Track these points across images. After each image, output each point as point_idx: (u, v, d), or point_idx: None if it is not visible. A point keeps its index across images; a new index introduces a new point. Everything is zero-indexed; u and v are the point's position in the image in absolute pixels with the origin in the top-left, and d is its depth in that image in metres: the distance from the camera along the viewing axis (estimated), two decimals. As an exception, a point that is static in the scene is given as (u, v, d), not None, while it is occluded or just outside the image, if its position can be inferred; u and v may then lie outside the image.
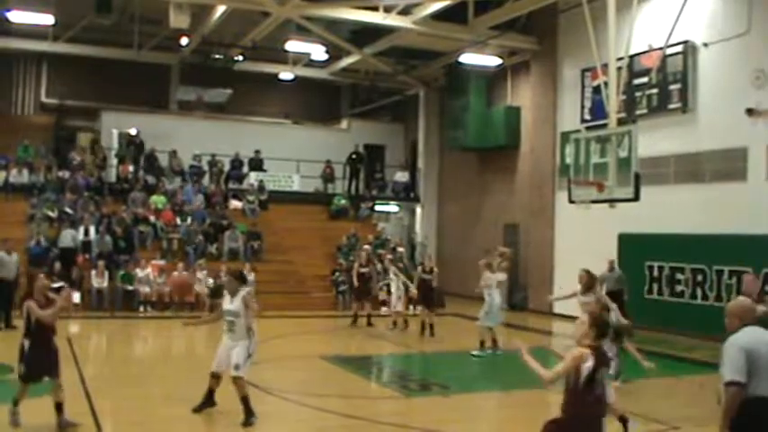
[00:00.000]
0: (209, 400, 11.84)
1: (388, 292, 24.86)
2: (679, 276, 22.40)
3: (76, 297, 24.16)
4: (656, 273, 23.10)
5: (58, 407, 10.43)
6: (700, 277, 21.78)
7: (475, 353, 18.10)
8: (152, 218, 28.89)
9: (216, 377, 11.81)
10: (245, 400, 11.32)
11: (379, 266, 27.66)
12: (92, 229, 27.06)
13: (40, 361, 10.43)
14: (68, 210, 28.01)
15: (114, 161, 32.31)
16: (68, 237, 26.07)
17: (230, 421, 11.40)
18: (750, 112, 20.78)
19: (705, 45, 22.45)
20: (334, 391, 14.05)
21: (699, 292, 21.76)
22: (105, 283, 25.19)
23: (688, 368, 17.31)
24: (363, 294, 24.15)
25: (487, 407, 13.99)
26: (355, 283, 24.21)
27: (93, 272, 25.26)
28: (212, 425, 11.66)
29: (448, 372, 16.60)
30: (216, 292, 25.38)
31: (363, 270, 24.16)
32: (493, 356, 17.99)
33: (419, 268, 23.16)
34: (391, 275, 23.84)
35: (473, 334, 18.95)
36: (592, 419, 7.25)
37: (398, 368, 17.60)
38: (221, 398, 12.66)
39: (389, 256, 27.76)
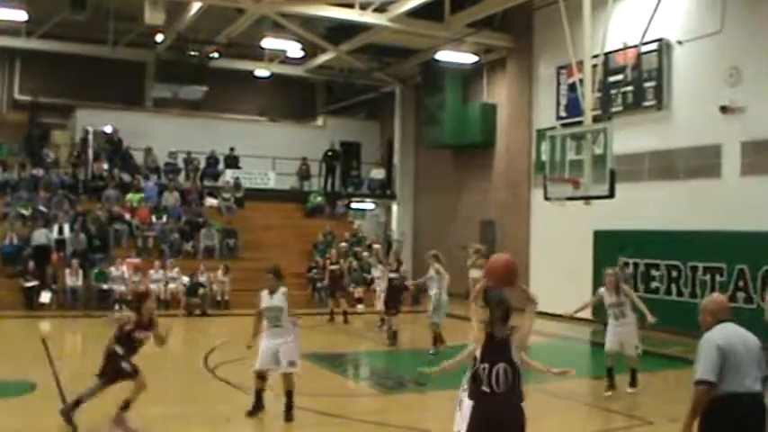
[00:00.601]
0: (259, 403, 11.78)
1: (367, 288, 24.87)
2: (654, 273, 22.50)
3: (47, 297, 24.11)
4: (631, 269, 23.17)
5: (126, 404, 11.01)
6: (674, 273, 21.88)
7: (432, 351, 17.66)
8: (127, 216, 28.74)
9: (262, 377, 11.74)
10: (290, 395, 11.50)
11: (355, 263, 27.68)
12: (66, 228, 26.90)
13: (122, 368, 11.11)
14: (42, 208, 27.83)
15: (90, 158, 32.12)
16: (42, 235, 25.91)
17: (208, 420, 11.37)
18: (724, 109, 20.88)
19: (680, 43, 22.55)
20: (311, 388, 14.00)
21: (674, 288, 21.85)
22: (80, 282, 25.05)
23: (663, 364, 17.39)
24: (336, 290, 24.33)
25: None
26: (326, 280, 24.43)
27: (68, 270, 25.11)
28: (189, 424, 11.61)
29: (424, 368, 16.61)
30: (192, 290, 25.35)
31: (333, 267, 24.32)
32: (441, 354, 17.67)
33: (383, 266, 22.97)
34: (378, 273, 23.45)
35: (448, 330, 18.93)
36: None
37: (375, 365, 17.60)
38: (199, 396, 12.64)
39: (365, 254, 27.85)
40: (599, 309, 15.36)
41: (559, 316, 15.64)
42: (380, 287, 22.53)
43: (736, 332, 6.82)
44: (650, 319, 13.91)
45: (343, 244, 30.41)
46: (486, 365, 6.83)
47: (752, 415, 6.60)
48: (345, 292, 24.55)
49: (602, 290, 14.32)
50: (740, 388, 6.56)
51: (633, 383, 13.89)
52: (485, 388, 6.78)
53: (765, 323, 12.14)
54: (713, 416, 6.58)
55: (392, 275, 20.34)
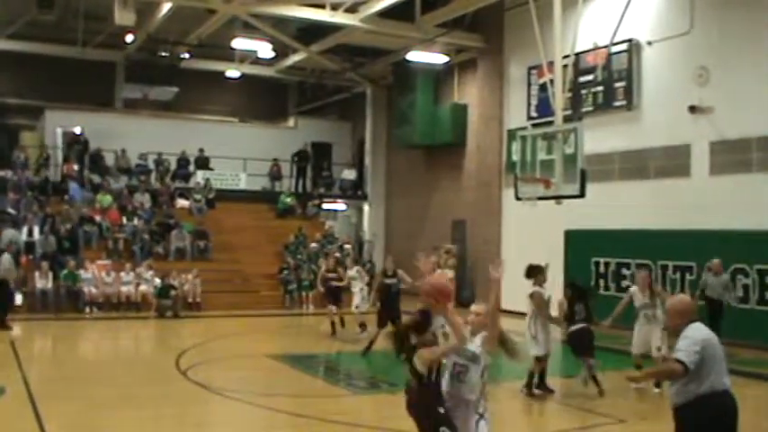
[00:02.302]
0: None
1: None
2: (625, 272, 22.61)
3: (18, 299, 23.91)
4: (602, 268, 23.29)
5: None
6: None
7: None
8: (98, 217, 28.55)
9: None
10: None
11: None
12: (35, 229, 26.70)
13: None
14: (11, 210, 27.59)
15: (59, 160, 31.92)
16: (8, 237, 25.65)
17: (179, 422, 11.32)
18: (693, 109, 21.04)
19: (649, 43, 22.69)
20: (283, 389, 14.00)
21: (644, 287, 21.96)
22: (50, 284, 24.85)
23: (632, 362, 17.46)
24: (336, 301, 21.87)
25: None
26: (320, 288, 22.28)
27: (37, 273, 24.91)
28: (162, 426, 11.56)
29: (396, 369, 16.58)
30: (163, 292, 25.23)
31: (331, 275, 21.81)
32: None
33: (360, 267, 22.69)
34: (353, 273, 21.98)
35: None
36: None
37: (346, 366, 17.58)
38: (172, 398, 12.60)
39: (337, 255, 27.79)
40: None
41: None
42: (357, 288, 21.31)
43: (709, 332, 6.87)
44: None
45: (314, 245, 30.39)
46: None
47: (734, 411, 6.74)
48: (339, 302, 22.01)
49: (633, 289, 14.41)
50: (722, 386, 6.67)
51: (658, 383, 13.55)
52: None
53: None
54: (702, 413, 6.65)
55: (389, 281, 18.41)
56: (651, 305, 13.95)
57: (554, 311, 14.45)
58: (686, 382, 6.64)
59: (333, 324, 20.99)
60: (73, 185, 30.35)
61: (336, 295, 21.58)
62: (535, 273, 14.51)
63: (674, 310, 7.06)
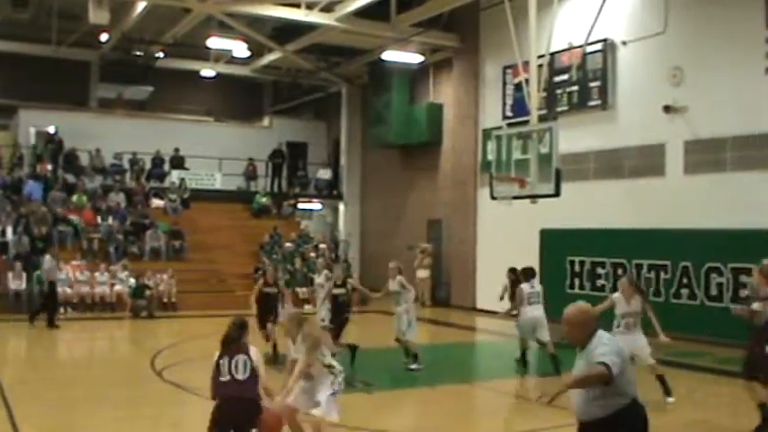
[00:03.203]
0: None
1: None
2: (600, 271, 22.70)
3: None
4: (577, 267, 23.37)
5: None
6: (620, 271, 22.06)
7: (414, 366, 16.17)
8: (74, 217, 28.36)
9: None
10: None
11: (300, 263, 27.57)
12: (8, 230, 26.53)
13: None
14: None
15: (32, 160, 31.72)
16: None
17: (155, 422, 11.27)
18: (667, 108, 21.15)
19: (624, 43, 22.78)
20: (259, 389, 13.94)
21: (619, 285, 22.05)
22: (23, 285, 24.69)
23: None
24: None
25: (411, 402, 14.01)
26: (253, 306, 17.96)
27: (11, 273, 24.74)
28: (137, 427, 11.51)
29: (371, 369, 16.58)
30: (138, 292, 25.11)
31: (338, 292, 16.84)
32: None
33: (329, 273, 18.33)
34: (321, 280, 18.59)
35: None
36: None
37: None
38: (147, 399, 12.54)
39: (312, 254, 27.79)
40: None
41: (506, 314, 15.74)
42: (321, 295, 18.05)
43: (612, 338, 6.66)
44: (662, 338, 13.18)
45: (289, 244, 30.33)
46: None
47: (646, 421, 6.54)
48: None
49: (615, 295, 13.56)
50: (635, 394, 6.48)
51: (668, 392, 13.05)
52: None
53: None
54: (627, 424, 6.41)
55: (337, 291, 16.51)
56: (633, 314, 13.28)
57: None
58: (612, 392, 6.29)
59: (275, 347, 16.64)
60: (30, 183, 29.91)
61: (274, 311, 17.57)
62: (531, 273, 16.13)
63: (578, 321, 6.58)
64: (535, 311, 15.70)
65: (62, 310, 24.54)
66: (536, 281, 16.11)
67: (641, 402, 6.48)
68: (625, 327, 13.36)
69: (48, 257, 23.07)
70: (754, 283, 11.60)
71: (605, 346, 6.32)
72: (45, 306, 22.62)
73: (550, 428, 11.85)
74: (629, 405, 6.37)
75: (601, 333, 6.49)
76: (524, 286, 15.88)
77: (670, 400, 12.99)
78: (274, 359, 15.76)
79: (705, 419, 12.02)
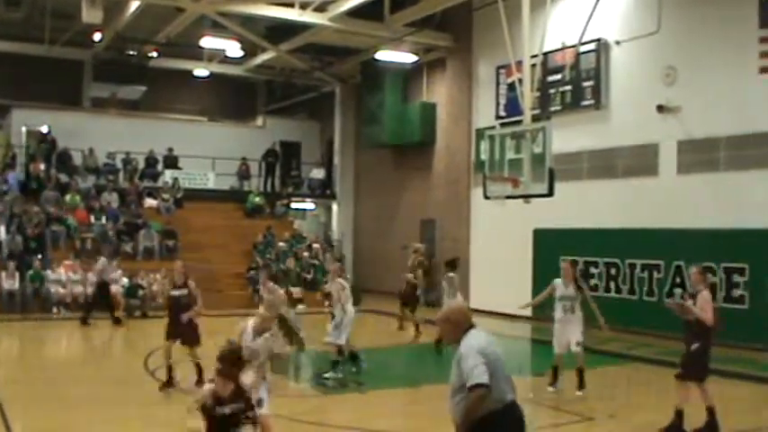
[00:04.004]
0: None
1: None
2: (593, 270, 22.71)
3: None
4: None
5: None
6: (613, 271, 22.12)
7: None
8: (69, 217, 28.29)
9: None
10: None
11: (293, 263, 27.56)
12: (2, 229, 26.47)
13: None
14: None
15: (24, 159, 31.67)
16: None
17: (146, 422, 11.26)
18: (660, 108, 21.17)
19: (617, 43, 22.79)
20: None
21: (612, 285, 22.10)
22: (17, 285, 24.64)
23: (601, 360, 17.53)
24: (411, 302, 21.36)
25: (402, 402, 14.01)
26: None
27: (4, 273, 24.69)
28: (130, 427, 11.49)
29: (365, 368, 16.59)
30: (132, 292, 25.07)
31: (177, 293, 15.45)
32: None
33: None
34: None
35: (389, 330, 18.90)
36: None
37: (315, 366, 17.51)
38: (139, 399, 12.52)
39: (305, 254, 27.80)
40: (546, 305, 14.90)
41: (500, 314, 15.74)
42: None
43: (489, 338, 6.52)
44: (602, 323, 13.74)
45: (283, 244, 30.30)
46: None
47: (522, 425, 6.52)
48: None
49: (557, 281, 14.05)
50: (509, 394, 6.38)
51: (581, 385, 13.54)
52: None
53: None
54: (500, 423, 6.32)
55: (176, 292, 14.64)
56: (571, 297, 13.73)
57: None
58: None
59: (170, 370, 14.09)
60: (11, 174, 29.94)
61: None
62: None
63: (450, 321, 6.56)
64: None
65: (55, 309, 24.54)
66: None
67: (517, 405, 6.44)
68: (562, 311, 13.73)
69: (103, 259, 24.17)
70: (692, 282, 11.84)
71: (471, 358, 6.19)
72: (93, 305, 23.49)
73: (550, 428, 11.86)
74: (496, 410, 6.26)
75: (470, 335, 6.40)
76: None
77: (579, 393, 13.43)
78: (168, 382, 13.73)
79: (697, 418, 11.99)
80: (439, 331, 6.55)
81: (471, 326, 6.49)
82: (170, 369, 13.83)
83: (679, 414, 10.99)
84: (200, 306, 14.61)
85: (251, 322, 9.20)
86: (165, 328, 14.19)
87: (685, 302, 11.12)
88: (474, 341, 6.35)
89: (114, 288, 25.34)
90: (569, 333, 13.68)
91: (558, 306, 13.86)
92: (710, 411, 11.02)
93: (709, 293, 11.37)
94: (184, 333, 14.14)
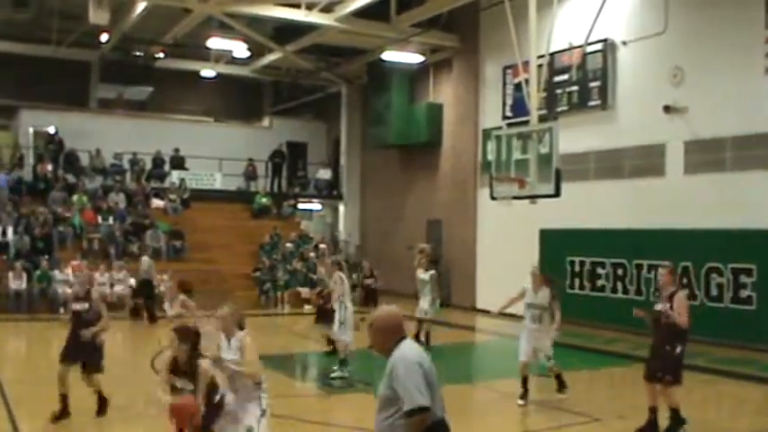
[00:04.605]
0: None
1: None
2: (600, 271, 22.69)
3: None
4: (577, 267, 23.36)
5: None
6: (620, 271, 22.09)
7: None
8: (77, 217, 28.33)
9: None
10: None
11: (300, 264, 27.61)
12: (9, 230, 26.53)
13: None
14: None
15: (32, 160, 31.73)
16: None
17: (152, 423, 11.25)
18: (667, 108, 21.13)
19: (624, 43, 22.77)
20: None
21: (619, 286, 22.08)
22: (24, 285, 24.69)
23: (608, 361, 17.54)
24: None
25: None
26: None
27: (11, 273, 24.74)
28: (133, 426, 11.49)
29: (371, 369, 16.58)
30: (138, 292, 25.09)
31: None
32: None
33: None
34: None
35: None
36: None
37: (322, 366, 17.52)
38: (145, 400, 12.51)
39: (312, 254, 27.82)
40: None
41: (506, 314, 15.69)
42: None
43: (420, 349, 5.85)
44: (553, 331, 13.35)
45: (289, 245, 30.32)
46: None
47: None
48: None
49: (527, 286, 13.52)
50: (439, 411, 5.67)
51: (561, 388, 13.41)
52: None
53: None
54: None
55: (76, 306, 12.24)
56: (540, 306, 13.20)
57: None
58: (401, 412, 5.50)
59: (64, 398, 11.65)
60: (1, 176, 30.00)
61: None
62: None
63: (379, 327, 5.81)
64: None
65: (62, 309, 24.53)
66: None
67: (446, 424, 5.73)
68: (531, 319, 13.23)
69: (146, 258, 24.62)
70: (661, 283, 11.49)
71: (411, 374, 5.50)
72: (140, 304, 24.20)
73: (550, 428, 11.85)
74: (431, 425, 5.55)
75: (405, 345, 5.72)
76: None
77: (561, 395, 13.24)
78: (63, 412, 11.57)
79: (704, 419, 11.99)
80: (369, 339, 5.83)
81: (404, 335, 5.79)
82: (64, 398, 11.48)
83: (655, 411, 11.00)
84: (106, 321, 11.93)
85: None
86: (61, 350, 12.02)
87: (665, 310, 10.88)
88: (411, 352, 5.67)
89: (119, 288, 25.46)
90: (537, 344, 13.25)
91: (526, 313, 13.41)
92: (655, 411, 11.05)
93: (685, 294, 11.23)
94: (86, 355, 11.74)
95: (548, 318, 13.25)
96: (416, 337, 18.95)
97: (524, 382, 13.14)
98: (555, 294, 13.46)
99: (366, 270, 23.97)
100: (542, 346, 13.22)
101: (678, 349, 10.78)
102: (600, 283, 22.57)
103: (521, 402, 12.98)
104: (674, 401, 10.90)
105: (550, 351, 13.29)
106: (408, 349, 5.70)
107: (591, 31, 20.30)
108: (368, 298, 22.97)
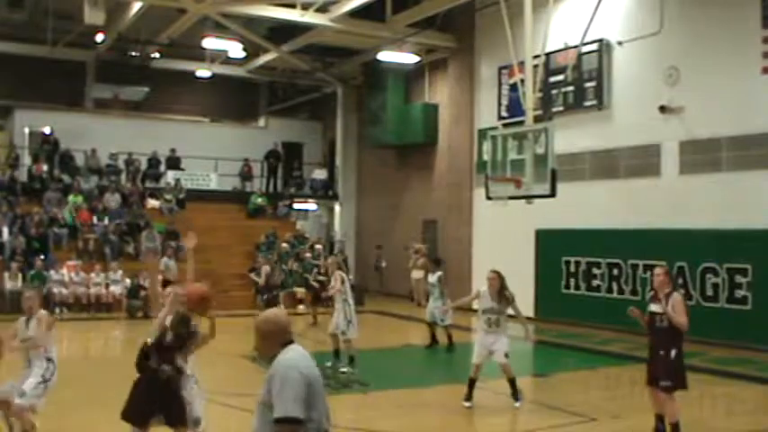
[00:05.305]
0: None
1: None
2: (595, 271, 22.71)
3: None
4: (572, 268, 23.38)
5: None
6: (615, 271, 22.12)
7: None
8: (72, 217, 28.30)
9: None
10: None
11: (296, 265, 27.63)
12: (5, 230, 26.49)
13: None
14: (-21, 210, 27.37)
15: (27, 160, 31.70)
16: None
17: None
18: (663, 109, 21.15)
19: (620, 43, 22.79)
20: (255, 390, 13.81)
21: (615, 286, 22.10)
22: (19, 285, 24.64)
23: (604, 361, 17.55)
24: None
25: (407, 403, 14.00)
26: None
27: (7, 273, 24.71)
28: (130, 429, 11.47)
29: (367, 369, 16.58)
30: (134, 293, 25.09)
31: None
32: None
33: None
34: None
35: (392, 331, 18.88)
36: None
37: (318, 366, 17.49)
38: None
39: (308, 255, 27.82)
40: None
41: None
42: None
43: (307, 356, 5.55)
44: (530, 337, 13.30)
45: (285, 245, 30.29)
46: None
47: None
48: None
49: (482, 289, 12.91)
50: (326, 424, 5.41)
51: (516, 396, 12.71)
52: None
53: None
54: None
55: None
56: (496, 311, 12.54)
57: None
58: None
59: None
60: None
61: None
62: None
63: (262, 331, 5.52)
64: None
65: (57, 310, 24.53)
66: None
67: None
68: (486, 323, 12.63)
69: (165, 258, 23.73)
70: (657, 284, 11.10)
71: (290, 382, 5.22)
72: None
73: (545, 428, 11.85)
74: None
75: (291, 350, 5.45)
76: None
77: (517, 404, 12.65)
78: None
79: (700, 419, 12.01)
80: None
81: (291, 339, 5.50)
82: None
83: (661, 419, 10.68)
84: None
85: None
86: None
87: (665, 311, 10.64)
88: (297, 357, 5.41)
89: (114, 288, 25.46)
90: (494, 346, 12.60)
91: (481, 318, 12.80)
92: (662, 419, 10.62)
93: (681, 295, 10.92)
94: None
95: (504, 321, 12.67)
96: (433, 340, 19.00)
97: (471, 384, 12.65)
98: (510, 296, 12.79)
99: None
100: (502, 347, 12.58)
101: (673, 353, 10.37)
102: (595, 283, 22.59)
103: (467, 405, 12.46)
104: (673, 413, 10.34)
105: (508, 348, 12.63)
106: (294, 354, 5.42)
107: (586, 31, 20.31)
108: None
